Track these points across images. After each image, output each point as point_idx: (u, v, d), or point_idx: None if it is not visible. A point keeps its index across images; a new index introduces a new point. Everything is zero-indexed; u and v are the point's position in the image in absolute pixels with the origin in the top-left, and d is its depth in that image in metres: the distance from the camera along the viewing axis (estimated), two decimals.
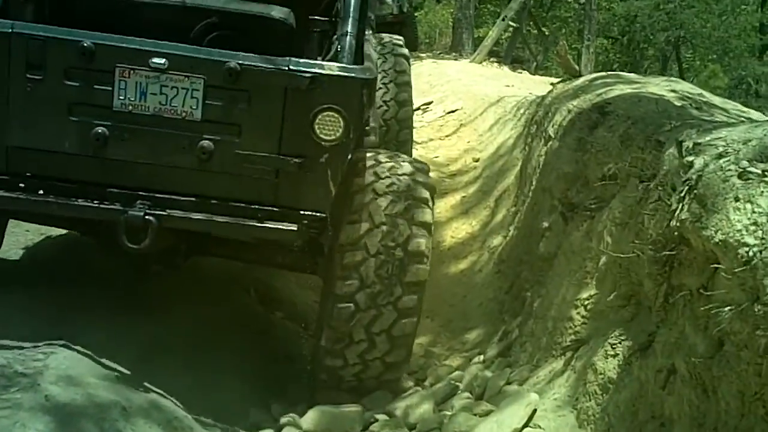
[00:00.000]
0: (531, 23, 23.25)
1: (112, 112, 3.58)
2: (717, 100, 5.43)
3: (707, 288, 2.47)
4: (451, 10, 26.57)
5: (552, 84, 14.37)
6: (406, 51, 6.69)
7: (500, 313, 5.24)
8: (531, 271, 4.76)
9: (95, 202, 3.66)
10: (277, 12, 4.01)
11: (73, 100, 3.60)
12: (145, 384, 3.86)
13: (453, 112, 9.81)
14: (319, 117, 3.62)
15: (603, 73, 6.14)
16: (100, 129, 3.58)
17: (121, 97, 3.58)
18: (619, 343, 3.13)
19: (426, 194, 4.06)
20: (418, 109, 11.48)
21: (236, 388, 4.39)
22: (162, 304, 4.58)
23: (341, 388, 4.15)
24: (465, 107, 9.75)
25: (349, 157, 3.88)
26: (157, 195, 3.67)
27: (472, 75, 13.81)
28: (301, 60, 3.68)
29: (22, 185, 3.64)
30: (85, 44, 3.51)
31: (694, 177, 2.60)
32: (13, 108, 3.60)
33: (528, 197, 5.62)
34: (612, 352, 3.13)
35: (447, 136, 8.98)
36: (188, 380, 4.21)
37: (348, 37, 3.93)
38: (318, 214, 3.75)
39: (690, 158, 2.72)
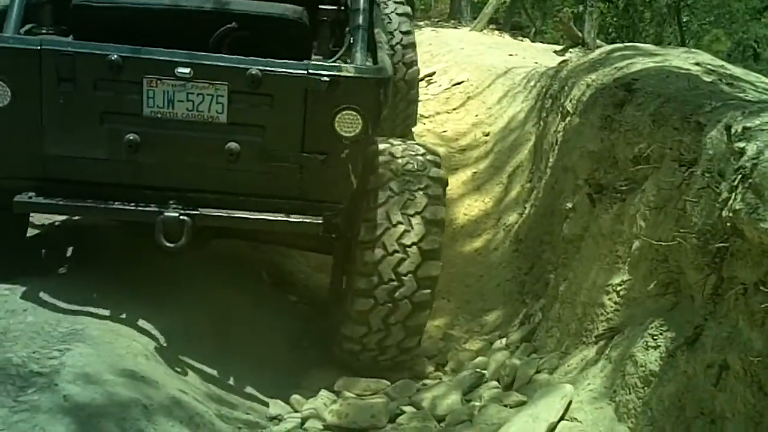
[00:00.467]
0: None
1: (142, 119, 3.77)
2: (739, 71, 5.28)
3: (765, 283, 2.34)
4: None
5: (555, 52, 14.25)
6: (409, 10, 6.66)
7: (520, 294, 5.13)
8: (554, 253, 4.64)
9: (131, 204, 3.90)
10: (292, 12, 4.13)
11: (104, 110, 3.79)
12: (165, 379, 3.79)
13: (459, 84, 9.60)
14: (339, 116, 3.81)
15: (620, 45, 5.96)
16: (131, 135, 3.76)
17: (149, 105, 3.76)
18: (661, 334, 3.01)
19: (439, 191, 4.32)
20: (422, 79, 11.31)
21: (256, 378, 4.35)
22: (177, 291, 4.53)
23: (357, 368, 4.49)
24: (471, 79, 9.55)
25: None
26: (189, 195, 3.90)
27: (475, 44, 13.58)
28: (320, 63, 3.95)
29: (60, 191, 3.87)
30: (113, 57, 3.68)
31: (748, 165, 2.46)
32: (47, 119, 3.78)
33: (545, 174, 5.48)
34: (653, 344, 3.01)
35: (454, 109, 8.80)
36: (208, 370, 4.17)
37: (360, 30, 4.07)
38: (340, 205, 4.03)
39: (741, 144, 2.58)
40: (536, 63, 10.81)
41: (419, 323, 4.36)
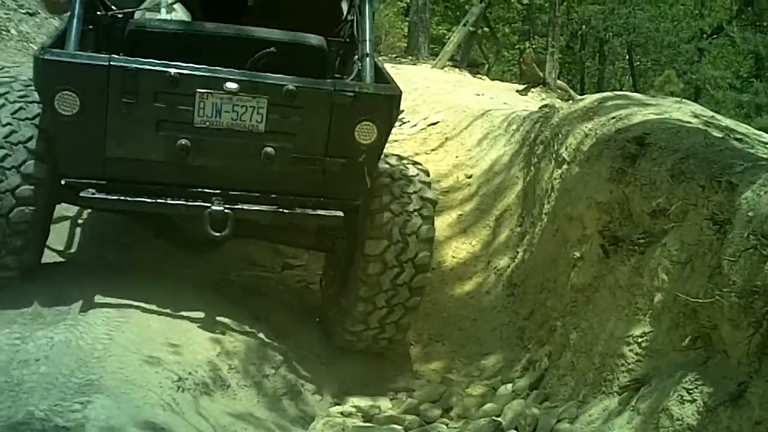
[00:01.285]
0: (484, 26, 23.29)
1: (193, 127, 4.38)
2: (730, 122, 5.46)
3: None
4: (395, 10, 26.59)
5: (518, 91, 14.50)
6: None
7: (520, 339, 5.18)
8: (559, 301, 4.70)
9: (180, 200, 4.50)
10: (315, 40, 4.89)
11: (160, 119, 4.38)
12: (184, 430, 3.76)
13: (434, 124, 9.70)
14: (359, 126, 4.47)
15: (610, 94, 6.11)
16: (183, 141, 4.38)
17: (200, 115, 4.38)
18: (696, 388, 3.07)
19: (429, 193, 4.99)
20: None
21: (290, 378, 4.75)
22: (190, 332, 4.63)
23: (359, 348, 5.15)
24: (447, 119, 9.64)
25: None
26: (230, 192, 4.51)
27: (439, 82, 13.76)
28: (343, 82, 4.71)
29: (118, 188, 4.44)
30: (172, 74, 4.30)
31: None
32: (110, 126, 4.35)
33: (541, 220, 5.56)
34: (689, 397, 3.07)
35: (433, 150, 8.87)
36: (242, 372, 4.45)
37: (368, 58, 4.78)
38: (356, 202, 4.78)
39: None
40: (505, 103, 10.99)
41: (408, 322, 5.08)
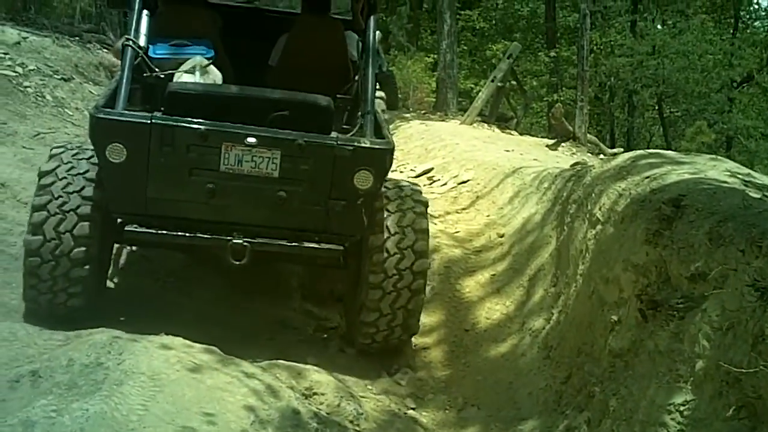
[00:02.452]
0: (512, 80, 23.37)
1: (219, 173, 5.25)
2: (765, 179, 5.40)
3: None
4: (422, 66, 26.74)
5: (548, 146, 14.47)
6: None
7: (557, 404, 5.08)
8: (597, 365, 4.62)
9: (207, 234, 5.46)
10: (323, 101, 5.61)
11: (192, 166, 5.25)
12: None
13: (465, 182, 9.71)
14: (357, 174, 5.33)
15: (643, 152, 6.07)
16: (210, 185, 5.26)
17: (225, 163, 5.24)
18: None
19: (422, 208, 5.91)
20: (421, 175, 11.41)
21: None
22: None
23: (378, 345, 5.96)
24: (477, 177, 9.65)
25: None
26: (249, 228, 5.43)
27: (468, 138, 13.79)
28: (345, 137, 5.44)
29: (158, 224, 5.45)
30: (202, 129, 5.18)
31: None
32: (151, 172, 5.23)
33: (576, 282, 5.50)
34: None
35: (464, 209, 8.85)
36: None
37: (369, 115, 5.66)
38: (355, 237, 5.65)
39: None
40: (536, 159, 10.97)
41: (417, 307, 5.85)
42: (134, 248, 6.83)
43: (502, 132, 17.10)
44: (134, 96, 5.69)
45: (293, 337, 6.26)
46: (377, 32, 6.25)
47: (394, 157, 5.66)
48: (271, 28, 6.94)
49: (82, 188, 5.34)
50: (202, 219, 5.45)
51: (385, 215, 5.73)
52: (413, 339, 6.35)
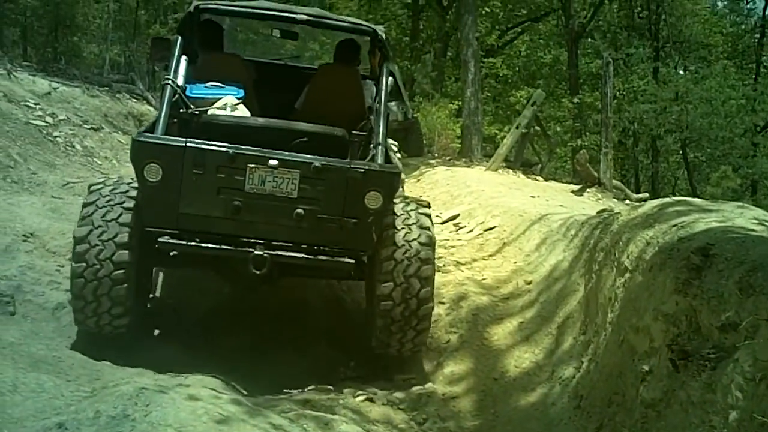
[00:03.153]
0: (536, 125, 23.40)
1: (244, 192, 5.91)
2: None
3: None
4: (446, 112, 26.84)
5: (573, 192, 14.45)
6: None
7: None
8: (629, 416, 4.56)
9: (232, 246, 5.98)
10: (339, 131, 6.49)
11: (220, 186, 5.91)
12: None
13: (491, 229, 9.69)
14: (368, 194, 5.99)
15: (670, 200, 6.04)
16: (236, 202, 5.91)
17: (249, 184, 5.91)
18: None
19: (427, 222, 6.50)
20: (447, 222, 11.40)
21: None
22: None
23: (390, 353, 6.61)
24: (503, 224, 9.63)
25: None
26: (270, 241, 5.99)
27: (494, 184, 13.79)
28: (357, 161, 6.22)
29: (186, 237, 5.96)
30: (230, 152, 5.86)
31: None
32: (183, 190, 5.89)
33: (605, 330, 5.46)
34: None
35: (491, 255, 8.82)
36: None
37: (379, 146, 6.30)
38: (365, 252, 6.26)
39: None
40: (561, 206, 10.95)
41: (426, 312, 6.36)
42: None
43: (528, 178, 17.09)
44: (171, 129, 6.24)
45: (320, 385, 6.23)
46: (390, 77, 6.86)
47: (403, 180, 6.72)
48: (297, 80, 7.69)
49: (119, 216, 5.97)
50: (227, 234, 5.99)
51: (391, 232, 6.29)
52: (441, 388, 6.32)
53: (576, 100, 26.85)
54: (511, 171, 17.47)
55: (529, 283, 7.60)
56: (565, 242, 7.62)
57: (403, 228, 6.34)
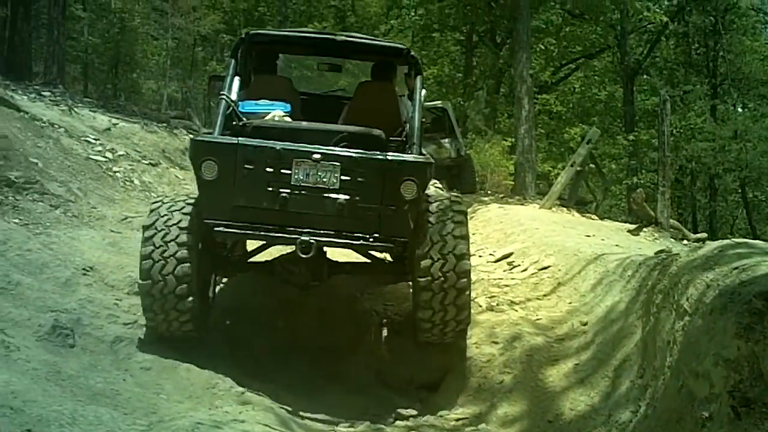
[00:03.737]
0: (590, 163, 23.26)
1: (291, 185, 6.47)
2: None
3: None
4: (500, 149, 26.81)
5: (629, 231, 14.29)
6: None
7: None
8: None
9: (281, 233, 6.55)
10: (376, 132, 6.96)
11: (269, 179, 6.46)
12: None
13: (546, 268, 9.61)
14: (403, 184, 6.50)
15: (730, 242, 5.93)
16: (284, 194, 6.46)
17: (295, 176, 6.47)
18: None
19: (462, 217, 6.99)
20: (500, 260, 11.34)
21: None
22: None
23: (433, 340, 7.16)
24: (558, 263, 9.55)
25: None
26: (314, 228, 6.50)
27: (548, 223, 13.71)
28: (393, 153, 6.77)
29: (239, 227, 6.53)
30: (278, 149, 6.48)
31: None
32: (236, 184, 6.48)
33: (664, 374, 5.36)
34: None
35: (545, 295, 8.75)
36: None
37: (414, 145, 7.02)
38: (403, 239, 6.68)
39: None
40: (617, 246, 10.83)
41: (464, 303, 6.87)
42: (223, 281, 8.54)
43: (582, 216, 16.96)
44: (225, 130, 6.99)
45: (373, 426, 6.22)
46: (423, 91, 7.53)
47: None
48: (341, 106, 8.36)
49: (177, 236, 6.54)
50: (277, 222, 6.53)
51: (428, 226, 6.80)
52: (494, 429, 6.29)
53: (631, 137, 26.67)
54: (565, 209, 17.35)
55: (585, 324, 7.50)
56: (622, 283, 7.53)
57: (437, 223, 6.82)
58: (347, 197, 6.46)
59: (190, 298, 6.55)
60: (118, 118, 16.81)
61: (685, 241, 14.20)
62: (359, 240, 6.60)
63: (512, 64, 24.06)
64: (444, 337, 7.08)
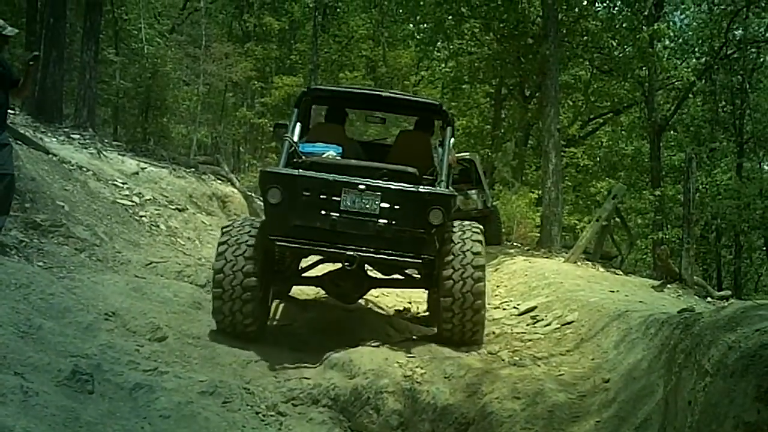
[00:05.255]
0: (616, 218, 23.18)
1: (340, 209, 8.19)
2: None
3: None
4: (526, 201, 26.80)
5: (653, 287, 14.20)
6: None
7: None
8: None
9: (331, 249, 8.26)
10: (411, 169, 8.67)
11: (322, 204, 8.16)
12: None
13: (569, 323, 9.57)
14: (431, 212, 8.27)
15: (753, 303, 5.91)
16: (333, 217, 8.18)
17: (344, 203, 8.20)
18: None
19: (479, 236, 8.84)
20: (524, 314, 11.31)
21: None
22: None
23: (453, 341, 8.72)
24: (581, 319, 9.50)
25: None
26: (358, 246, 8.20)
27: (572, 277, 13.68)
28: (424, 186, 8.49)
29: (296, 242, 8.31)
30: (330, 179, 8.20)
31: None
32: (295, 207, 8.16)
33: None
34: None
35: (568, 351, 8.69)
36: None
37: (442, 182, 8.75)
38: (431, 257, 8.46)
39: None
40: (641, 302, 10.77)
41: (480, 306, 8.60)
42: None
43: (607, 271, 16.90)
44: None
45: None
46: (452, 139, 9.30)
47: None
48: (385, 151, 10.14)
49: (245, 252, 8.22)
50: (327, 240, 8.18)
51: (451, 245, 8.51)
52: None
53: (658, 192, 26.59)
54: (590, 263, 17.30)
55: (607, 381, 7.43)
56: (645, 341, 7.47)
57: (459, 242, 8.57)
58: (385, 221, 8.18)
59: (253, 304, 8.20)
60: (146, 163, 16.97)
61: (708, 299, 14.09)
62: (394, 256, 8.25)
63: (540, 118, 24.15)
64: (462, 336, 8.66)
